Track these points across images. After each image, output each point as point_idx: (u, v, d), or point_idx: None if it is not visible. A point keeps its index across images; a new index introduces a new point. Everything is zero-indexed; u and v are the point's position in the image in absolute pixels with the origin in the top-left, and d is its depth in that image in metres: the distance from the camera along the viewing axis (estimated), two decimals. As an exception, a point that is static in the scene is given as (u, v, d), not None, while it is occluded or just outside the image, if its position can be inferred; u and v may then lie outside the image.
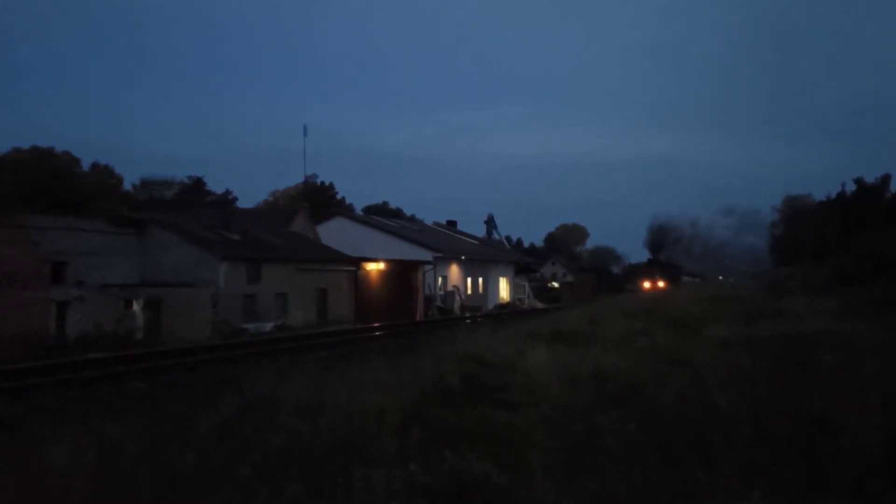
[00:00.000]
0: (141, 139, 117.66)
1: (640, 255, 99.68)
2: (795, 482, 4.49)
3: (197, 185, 61.04)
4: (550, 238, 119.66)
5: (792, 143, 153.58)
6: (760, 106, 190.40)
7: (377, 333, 23.23)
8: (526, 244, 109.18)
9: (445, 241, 50.33)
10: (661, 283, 67.93)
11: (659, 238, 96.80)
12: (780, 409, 5.87)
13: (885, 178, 40.96)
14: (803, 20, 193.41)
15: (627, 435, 5.40)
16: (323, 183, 69.10)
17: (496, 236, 69.17)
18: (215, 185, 64.09)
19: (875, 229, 30.51)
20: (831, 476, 4.53)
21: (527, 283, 57.93)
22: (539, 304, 51.01)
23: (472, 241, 59.78)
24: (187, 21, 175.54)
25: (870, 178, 41.19)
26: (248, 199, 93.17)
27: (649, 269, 78.23)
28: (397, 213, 73.47)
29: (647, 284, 68.07)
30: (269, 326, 27.25)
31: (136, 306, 23.88)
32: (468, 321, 29.00)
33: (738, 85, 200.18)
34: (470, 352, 9.88)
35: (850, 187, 41.42)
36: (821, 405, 5.80)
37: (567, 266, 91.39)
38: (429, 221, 63.87)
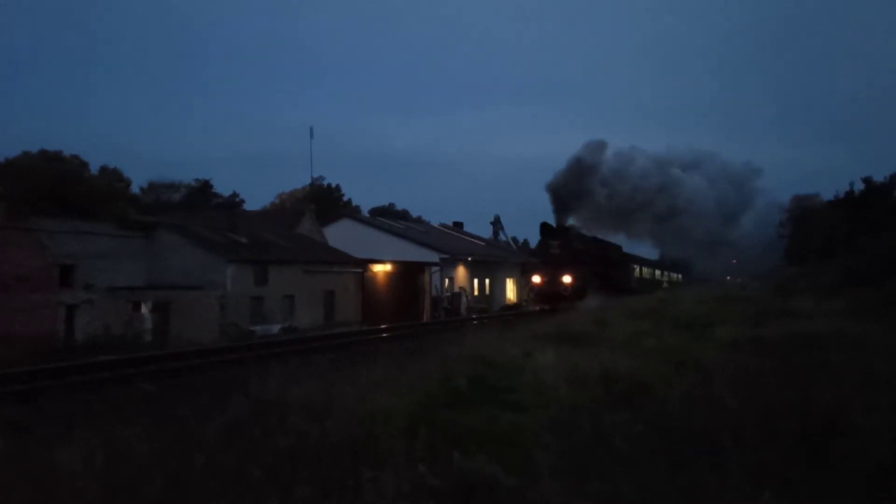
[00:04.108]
0: (148, 142, 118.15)
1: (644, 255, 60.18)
2: (806, 483, 4.47)
3: (204, 187, 61.25)
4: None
5: (799, 143, 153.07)
6: (766, 104, 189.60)
7: (384, 335, 23.24)
8: (532, 245, 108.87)
9: (452, 243, 50.34)
10: (567, 280, 31.77)
11: (574, 179, 38.96)
12: (790, 409, 5.85)
13: (894, 177, 40.69)
14: (810, 16, 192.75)
15: (636, 436, 5.39)
16: (329, 185, 69.22)
17: (503, 237, 69.06)
18: (222, 188, 64.38)
19: (884, 228, 30.34)
20: (842, 477, 4.51)
21: (533, 284, 57.60)
22: (546, 306, 50.59)
23: (479, 242, 59.75)
24: (193, 25, 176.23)
25: (878, 176, 40.95)
26: (255, 201, 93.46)
27: (545, 251, 33.70)
28: (404, 215, 73.49)
29: (536, 280, 33.09)
30: (276, 328, 27.31)
31: (144, 309, 24.00)
32: (475, 322, 28.97)
33: (742, 83, 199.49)
34: (477, 353, 9.87)
35: (859, 186, 41.18)
36: (831, 405, 5.77)
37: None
38: (435, 223, 63.90)
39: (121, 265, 25.24)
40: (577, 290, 31.90)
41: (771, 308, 18.86)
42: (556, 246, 32.76)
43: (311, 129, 49.31)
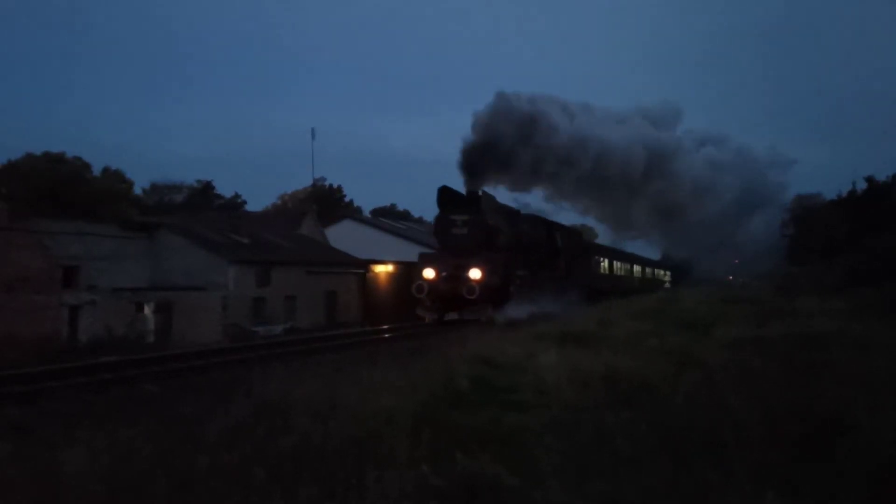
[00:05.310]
0: (150, 143, 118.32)
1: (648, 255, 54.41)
2: (809, 483, 4.47)
3: (206, 188, 61.34)
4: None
5: (800, 141, 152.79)
6: (767, 102, 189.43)
7: (386, 335, 23.25)
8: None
9: (454, 243, 50.09)
10: (475, 275, 20.30)
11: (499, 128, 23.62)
12: (793, 409, 5.85)
13: (897, 176, 40.60)
14: (812, 12, 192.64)
15: (639, 436, 5.39)
16: (331, 185, 69.26)
17: (505, 238, 68.57)
18: (224, 189, 64.48)
19: (887, 228, 30.31)
20: (846, 476, 4.51)
21: (535, 285, 56.28)
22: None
23: (481, 242, 59.29)
24: (195, 25, 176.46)
25: (881, 176, 40.84)
26: (257, 202, 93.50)
27: (444, 230, 21.53)
28: (405, 215, 73.49)
29: (428, 274, 21.01)
30: (278, 329, 27.35)
31: (147, 310, 24.07)
32: (477, 323, 28.89)
33: (743, 80, 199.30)
34: (479, 354, 9.88)
35: (862, 185, 41.09)
36: (834, 405, 5.77)
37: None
38: (437, 223, 63.56)
39: (123, 266, 25.31)
40: (494, 291, 20.55)
41: (773, 308, 18.86)
42: (461, 223, 21.25)
43: (313, 130, 49.65)
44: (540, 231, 26.52)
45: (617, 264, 42.54)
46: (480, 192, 22.11)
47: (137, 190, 53.24)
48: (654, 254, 55.94)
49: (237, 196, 64.24)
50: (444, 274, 20.92)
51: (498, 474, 4.29)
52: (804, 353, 9.42)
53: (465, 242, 21.06)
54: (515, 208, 25.79)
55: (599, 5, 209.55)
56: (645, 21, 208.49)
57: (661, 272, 60.27)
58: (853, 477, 4.47)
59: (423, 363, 9.31)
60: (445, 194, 21.74)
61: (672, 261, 58.01)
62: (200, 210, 48.56)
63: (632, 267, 47.86)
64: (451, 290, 20.59)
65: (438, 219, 22.14)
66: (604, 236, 47.95)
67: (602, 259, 38.39)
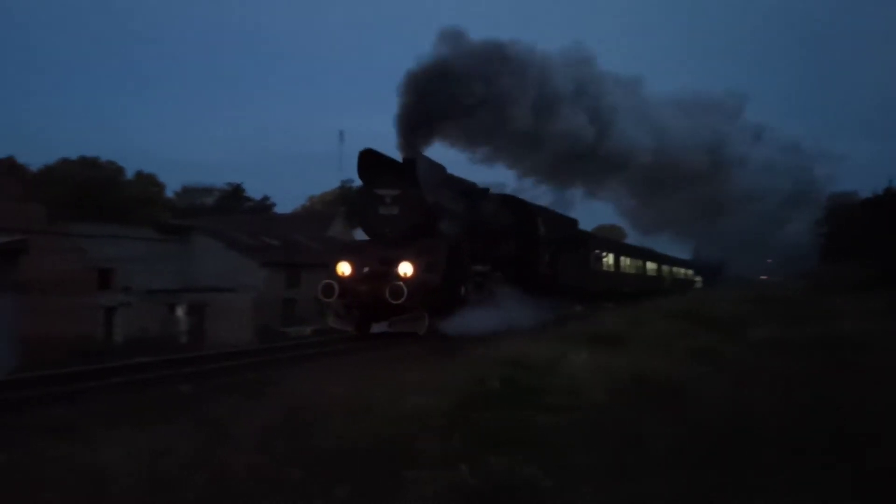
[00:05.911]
0: (182, 147, 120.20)
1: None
2: (841, 486, 4.42)
3: (236, 191, 62.12)
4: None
5: (833, 138, 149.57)
6: (793, 99, 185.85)
7: (416, 336, 23.29)
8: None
9: (481, 244, 49.62)
10: (406, 271, 14.35)
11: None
12: (826, 411, 5.78)
13: (934, 173, 39.61)
14: (841, 10, 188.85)
15: (671, 437, 5.37)
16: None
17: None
18: (254, 192, 65.17)
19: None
20: (878, 481, 4.45)
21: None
22: (578, 307, 45.89)
23: (508, 243, 58.85)
24: (225, 30, 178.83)
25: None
26: (286, 204, 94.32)
27: (368, 210, 15.45)
28: (433, 217, 73.28)
29: (343, 269, 15.31)
30: (308, 330, 27.60)
31: (179, 311, 24.51)
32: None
33: (765, 76, 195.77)
34: (509, 355, 9.87)
35: (898, 183, 40.12)
36: (868, 407, 5.69)
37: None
38: (464, 224, 63.40)
39: (157, 268, 25.77)
40: (432, 294, 14.96)
41: (807, 308, 18.58)
42: (390, 199, 15.53)
43: (341, 133, 49.83)
44: (513, 215, 20.12)
45: (626, 261, 36.06)
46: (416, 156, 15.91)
47: (169, 193, 54.16)
48: (679, 251, 51.07)
49: (266, 198, 64.95)
50: (364, 270, 15.50)
51: (533, 475, 4.31)
52: (838, 354, 9.27)
53: (396, 226, 15.42)
54: (482, 186, 19.23)
55: (604, 6, 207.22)
56: (657, 12, 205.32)
57: (686, 271, 54.12)
58: (885, 481, 4.41)
59: (453, 364, 9.34)
60: (369, 160, 15.58)
61: (703, 259, 53.24)
62: (230, 213, 49.24)
63: (644, 264, 40.60)
64: (373, 291, 14.95)
65: (361, 195, 16.66)
66: (633, 237, 44.37)
67: (604, 254, 31.81)
